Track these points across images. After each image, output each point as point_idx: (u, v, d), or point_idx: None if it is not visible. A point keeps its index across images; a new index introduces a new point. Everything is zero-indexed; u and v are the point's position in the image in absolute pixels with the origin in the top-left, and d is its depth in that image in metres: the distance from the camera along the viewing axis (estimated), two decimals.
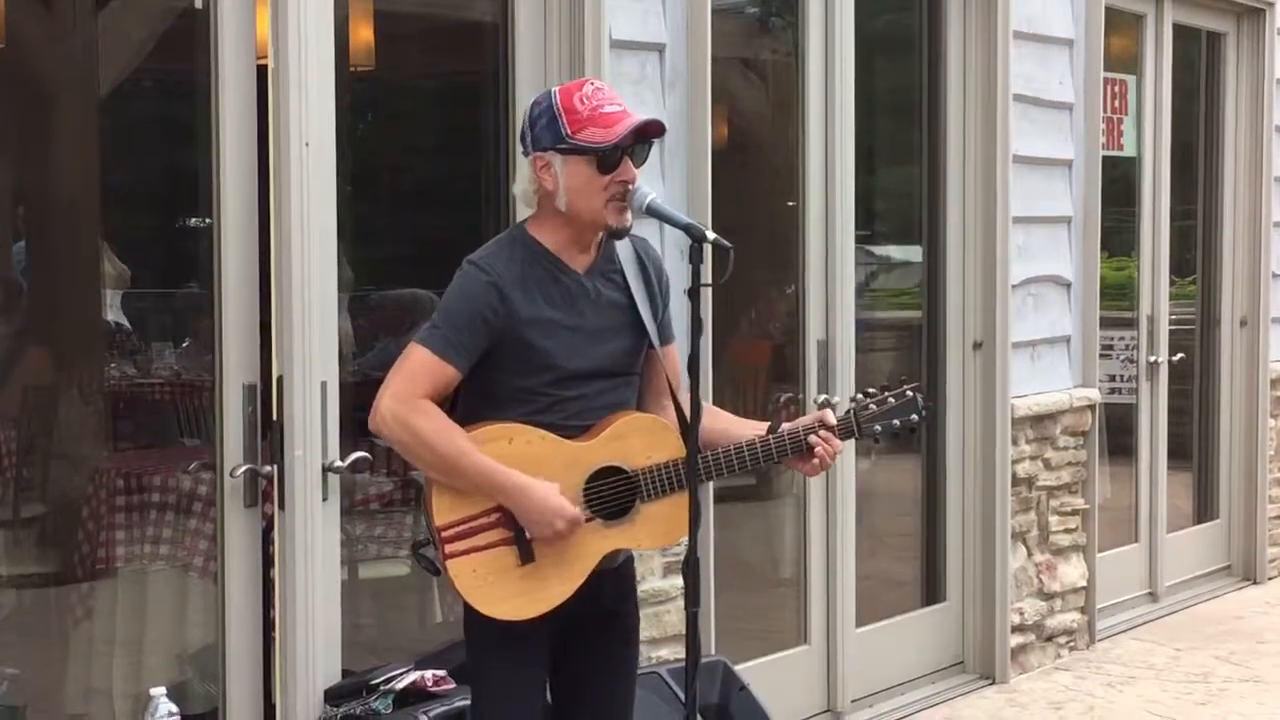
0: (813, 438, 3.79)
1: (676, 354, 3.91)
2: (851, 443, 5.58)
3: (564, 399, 3.71)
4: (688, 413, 3.67)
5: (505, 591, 3.68)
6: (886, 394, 3.89)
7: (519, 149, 3.82)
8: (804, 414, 6.05)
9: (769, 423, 3.86)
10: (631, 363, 3.83)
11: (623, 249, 3.84)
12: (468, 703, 4.30)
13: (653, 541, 3.84)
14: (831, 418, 3.83)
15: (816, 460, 3.82)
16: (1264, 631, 8.10)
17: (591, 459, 3.71)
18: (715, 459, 3.77)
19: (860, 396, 3.92)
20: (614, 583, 3.84)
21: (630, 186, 3.68)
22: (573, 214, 3.70)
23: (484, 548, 3.68)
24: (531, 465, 3.66)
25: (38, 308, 5.95)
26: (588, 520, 3.70)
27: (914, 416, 3.89)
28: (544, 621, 3.72)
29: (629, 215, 3.72)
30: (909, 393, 3.90)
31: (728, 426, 3.87)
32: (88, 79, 5.88)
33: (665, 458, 3.74)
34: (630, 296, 3.81)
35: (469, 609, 3.74)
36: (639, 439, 3.76)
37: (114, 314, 6.40)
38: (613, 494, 3.73)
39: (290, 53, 4.47)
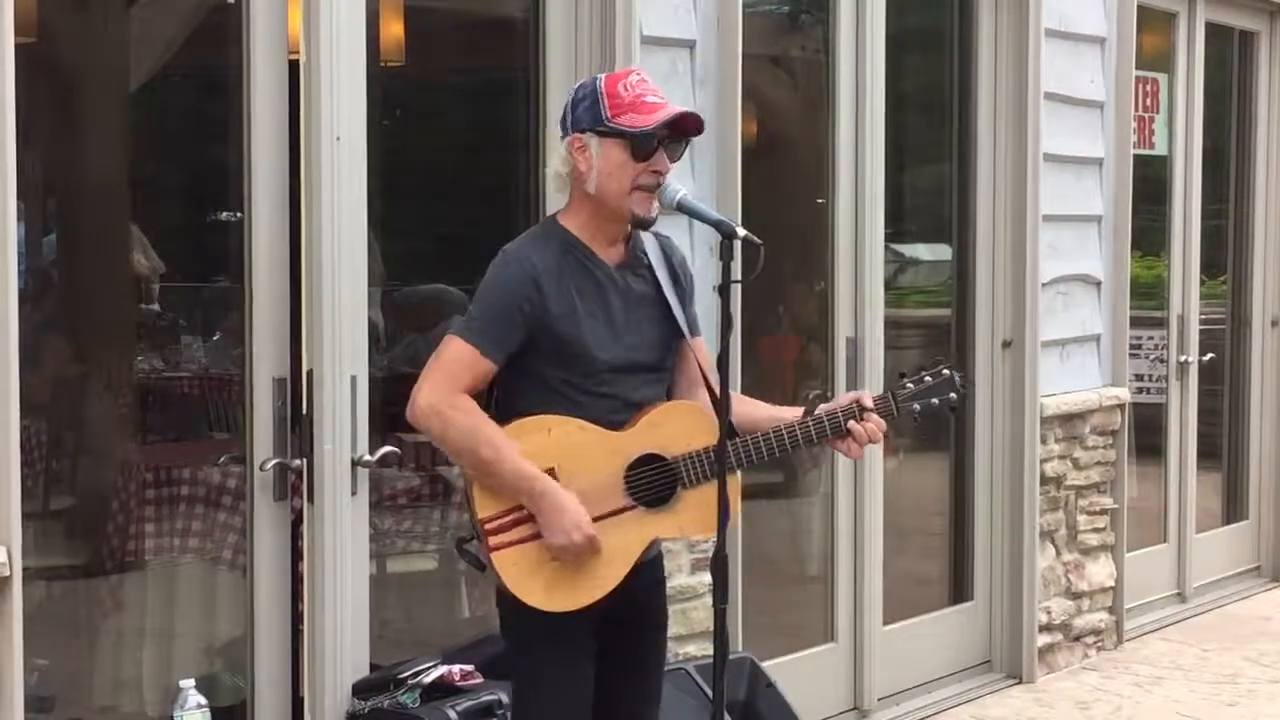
0: (851, 423, 3.80)
1: (704, 346, 3.92)
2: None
3: (598, 393, 3.72)
4: (729, 401, 3.68)
5: (548, 582, 3.69)
6: (923, 374, 3.90)
7: (557, 132, 3.84)
8: None
9: (805, 407, 3.86)
10: (663, 357, 3.84)
11: (649, 245, 3.86)
12: (495, 697, 4.32)
13: (696, 529, 3.83)
14: (868, 399, 3.84)
15: (858, 445, 3.82)
16: None
17: (631, 447, 3.72)
18: (755, 443, 3.78)
19: (899, 377, 3.93)
20: (646, 575, 3.84)
21: (662, 179, 3.70)
22: (600, 198, 3.72)
23: (524, 540, 3.69)
24: (571, 454, 3.67)
25: (67, 300, 5.97)
26: (630, 509, 3.71)
27: (952, 395, 3.90)
28: (586, 615, 3.72)
29: (655, 207, 3.73)
30: (945, 371, 3.91)
31: (766, 413, 3.88)
32: (119, 73, 5.90)
33: (704, 443, 3.75)
34: (659, 289, 3.82)
35: (512, 605, 3.73)
36: (676, 425, 3.77)
37: (156, 305, 6.43)
38: (654, 482, 3.74)
39: (322, 47, 4.48)
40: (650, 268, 3.83)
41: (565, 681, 3.77)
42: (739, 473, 3.83)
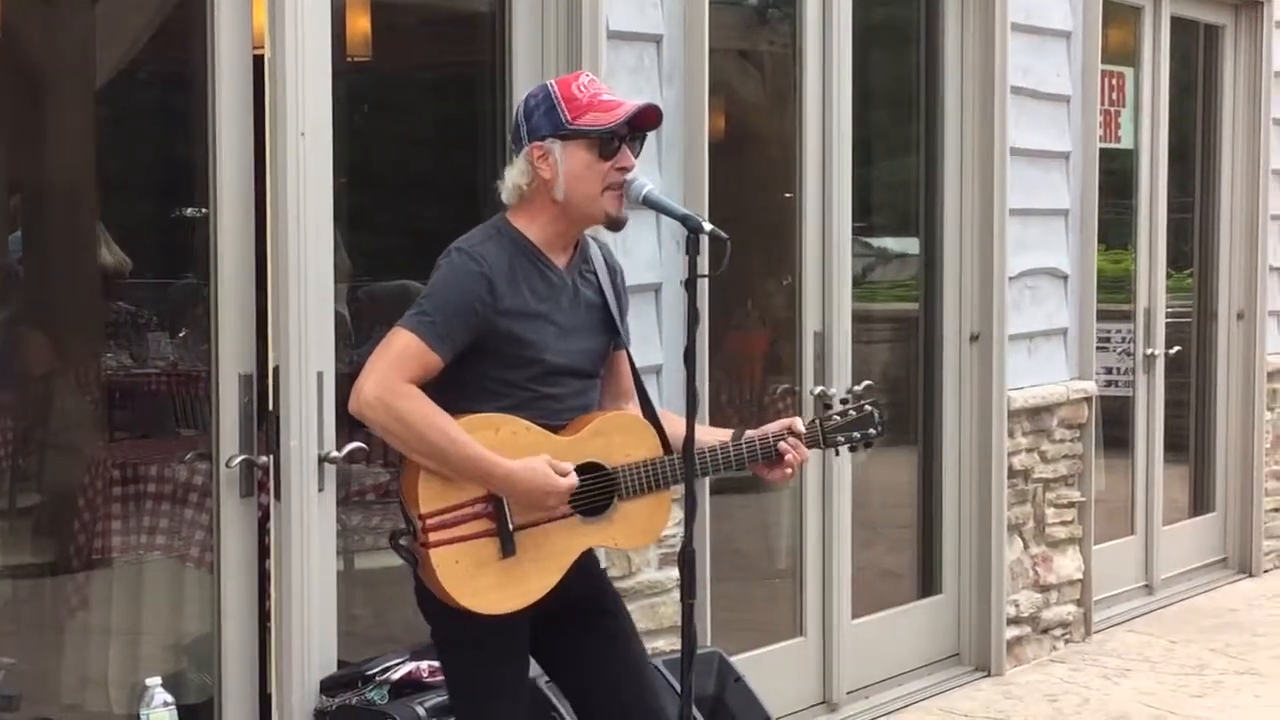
0: (783, 444, 3.83)
1: (628, 360, 3.93)
2: None
3: (540, 395, 3.71)
4: (657, 415, 3.75)
5: (485, 584, 3.66)
6: (848, 406, 3.97)
7: (510, 146, 3.82)
8: (800, 405, 6.10)
9: (733, 430, 3.89)
10: (599, 364, 3.85)
11: (593, 251, 3.86)
12: None
13: (629, 540, 3.87)
14: (800, 425, 3.88)
15: (789, 470, 3.87)
16: (1259, 624, 8.11)
17: (575, 454, 3.71)
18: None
19: (823, 409, 3.98)
20: (580, 577, 3.82)
21: (628, 176, 3.69)
22: (570, 203, 3.70)
23: (467, 538, 3.66)
24: (518, 455, 3.65)
25: (34, 297, 5.94)
26: (566, 516, 3.70)
27: (871, 431, 3.97)
28: (521, 618, 3.71)
29: (625, 206, 3.73)
30: (867, 407, 3.97)
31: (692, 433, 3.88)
32: (85, 69, 5.87)
33: (644, 456, 3.76)
34: (603, 296, 3.82)
35: (441, 609, 3.70)
36: (619, 436, 3.77)
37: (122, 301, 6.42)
38: (593, 491, 3.73)
39: (287, 43, 4.46)
40: (596, 274, 3.84)
41: (504, 685, 3.76)
42: (671, 488, 3.81)
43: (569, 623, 3.82)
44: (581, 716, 3.94)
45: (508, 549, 3.65)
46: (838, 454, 4.06)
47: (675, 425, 3.82)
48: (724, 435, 3.89)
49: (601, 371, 3.87)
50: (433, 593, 3.70)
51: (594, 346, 3.81)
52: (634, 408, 3.88)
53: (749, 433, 3.87)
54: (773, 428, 3.88)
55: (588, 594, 3.88)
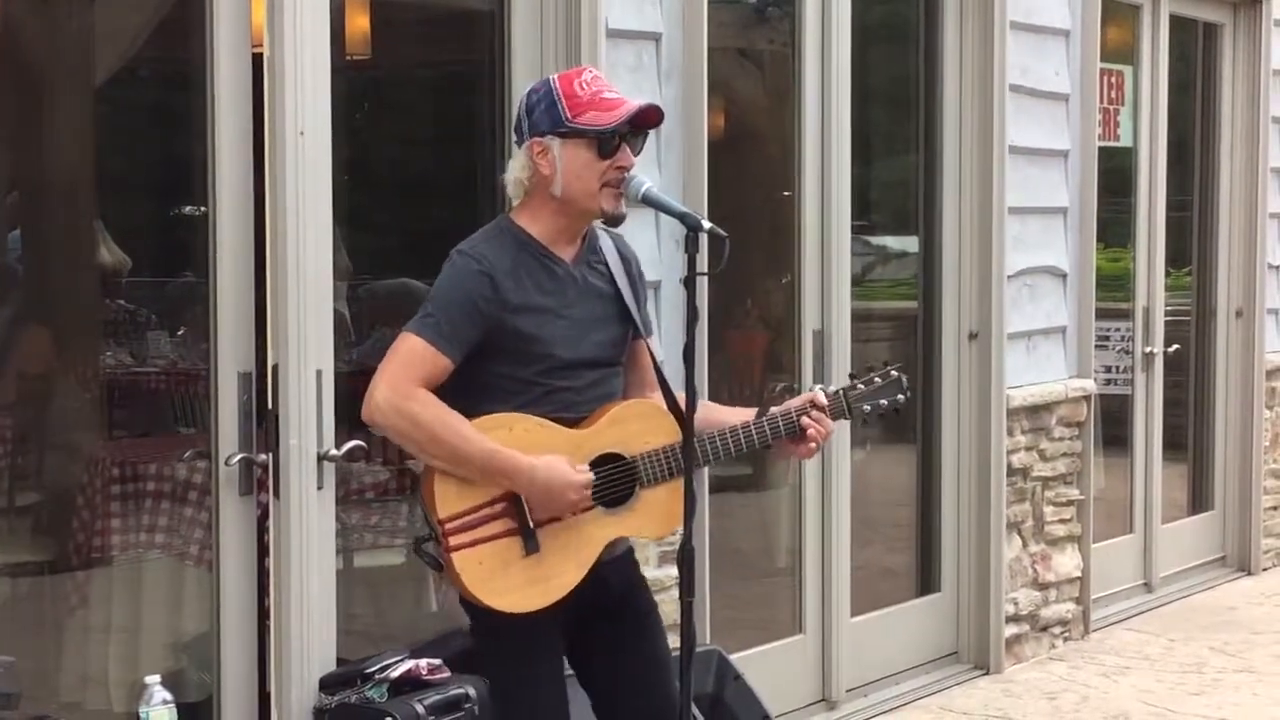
0: (805, 419, 3.81)
1: (654, 347, 3.94)
2: (846, 430, 5.60)
3: (556, 389, 3.71)
4: (679, 403, 3.71)
5: (511, 583, 3.67)
6: (873, 374, 3.96)
7: (513, 139, 3.83)
8: None
9: (758, 408, 3.88)
10: (618, 353, 3.85)
11: (605, 243, 3.86)
12: (463, 691, 4.31)
13: (654, 529, 3.86)
14: (822, 398, 3.87)
15: (811, 444, 3.84)
16: (1258, 622, 8.11)
17: (592, 445, 3.72)
18: (712, 443, 3.78)
19: (849, 379, 3.97)
20: (619, 573, 3.84)
21: (627, 174, 3.70)
22: (568, 200, 3.70)
23: (489, 539, 3.67)
24: (535, 452, 3.66)
25: (33, 296, 5.94)
26: (589, 509, 3.71)
27: (900, 397, 3.97)
28: (553, 614, 3.71)
29: (624, 203, 3.73)
30: (894, 373, 3.97)
31: (717, 414, 3.89)
32: (84, 67, 5.87)
33: (662, 443, 3.75)
34: (615, 286, 3.83)
35: (475, 607, 3.72)
36: (636, 424, 3.77)
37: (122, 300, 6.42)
38: (613, 481, 3.73)
39: (286, 41, 4.45)
40: (606, 264, 3.84)
41: (539, 681, 3.77)
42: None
43: (600, 618, 3.83)
44: (602, 712, 3.95)
45: (530, 546, 3.66)
46: (866, 422, 4.05)
47: (707, 409, 3.83)
48: (747, 415, 3.88)
49: (623, 360, 3.87)
50: (462, 591, 3.72)
51: (607, 337, 3.81)
52: (658, 397, 3.87)
53: (772, 409, 3.87)
54: (795, 403, 3.87)
55: (622, 590, 3.89)
